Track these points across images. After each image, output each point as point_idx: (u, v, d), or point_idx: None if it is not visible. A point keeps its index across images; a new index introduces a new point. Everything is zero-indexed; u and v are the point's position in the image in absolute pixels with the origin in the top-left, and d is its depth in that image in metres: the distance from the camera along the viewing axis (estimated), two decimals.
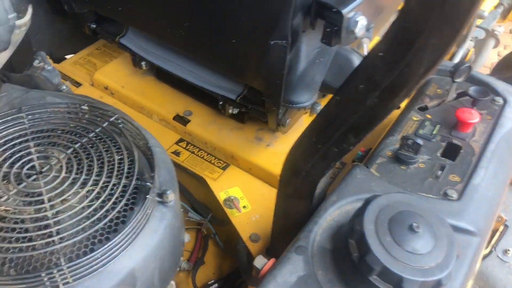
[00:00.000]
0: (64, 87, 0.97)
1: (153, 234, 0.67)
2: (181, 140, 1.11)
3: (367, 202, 0.62)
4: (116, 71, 1.21)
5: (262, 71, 0.80)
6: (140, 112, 1.15)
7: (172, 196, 0.70)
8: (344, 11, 0.66)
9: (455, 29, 0.45)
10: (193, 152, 1.09)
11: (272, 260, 0.69)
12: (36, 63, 0.94)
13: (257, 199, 1.01)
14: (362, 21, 0.69)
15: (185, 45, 0.92)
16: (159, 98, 1.15)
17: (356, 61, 0.88)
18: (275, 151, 1.07)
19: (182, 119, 1.11)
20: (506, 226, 1.31)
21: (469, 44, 1.55)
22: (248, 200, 1.01)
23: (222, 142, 1.08)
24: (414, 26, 0.47)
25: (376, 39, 1.23)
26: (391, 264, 0.57)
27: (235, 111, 1.02)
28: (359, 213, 0.61)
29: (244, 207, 0.99)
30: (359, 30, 0.69)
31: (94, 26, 1.09)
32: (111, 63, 1.24)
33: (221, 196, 1.01)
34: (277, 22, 0.71)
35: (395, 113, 0.94)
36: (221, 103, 1.01)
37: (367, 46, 0.96)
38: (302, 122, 1.09)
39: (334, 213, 0.71)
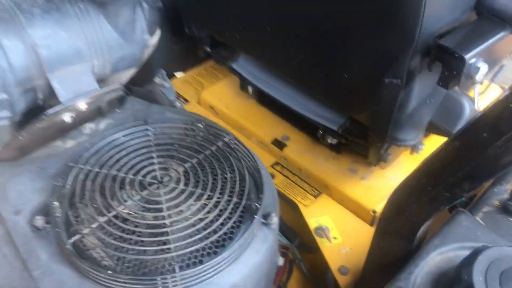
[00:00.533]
0: (178, 103, 1.05)
1: (255, 254, 0.70)
2: (276, 163, 1.15)
3: (476, 252, 0.61)
4: (222, 93, 1.28)
5: (372, 106, 0.81)
6: (240, 132, 1.21)
7: (276, 219, 0.73)
8: (467, 57, 0.66)
9: None
10: (287, 177, 1.12)
11: None
12: (157, 80, 1.03)
13: (347, 232, 1.01)
14: (483, 68, 0.69)
15: (295, 75, 0.96)
16: (259, 122, 1.20)
17: (467, 105, 0.87)
18: (369, 185, 1.07)
19: (279, 144, 1.15)
20: None
21: None
22: (338, 231, 1.01)
23: (316, 170, 1.10)
24: None
25: (486, 83, 1.19)
26: None
27: (334, 141, 1.03)
28: (468, 263, 0.60)
29: (334, 238, 1.00)
30: (480, 76, 0.69)
31: (209, 49, 1.17)
32: (217, 84, 1.31)
33: (311, 223, 1.03)
34: (395, 62, 0.72)
35: None
36: (321, 132, 1.04)
37: (477, 90, 0.94)
38: (400, 161, 1.09)
39: (436, 258, 0.70)
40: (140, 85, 1.05)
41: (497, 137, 0.54)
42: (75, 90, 0.77)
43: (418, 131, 0.85)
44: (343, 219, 1.04)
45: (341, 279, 0.93)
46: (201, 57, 1.38)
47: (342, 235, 1.01)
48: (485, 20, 0.74)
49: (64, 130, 0.84)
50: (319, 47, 0.83)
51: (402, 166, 1.09)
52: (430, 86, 0.80)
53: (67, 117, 0.82)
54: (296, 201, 1.07)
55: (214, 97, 1.27)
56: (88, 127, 0.87)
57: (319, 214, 1.04)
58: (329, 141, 1.03)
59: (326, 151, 1.13)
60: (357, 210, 1.04)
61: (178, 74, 1.43)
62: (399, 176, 1.07)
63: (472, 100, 0.90)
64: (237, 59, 1.13)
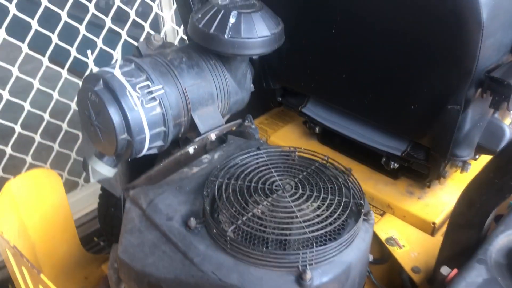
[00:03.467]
0: (261, 141, 1.28)
1: (362, 241, 0.90)
2: None
3: None
4: (287, 135, 1.52)
5: (435, 129, 1.04)
6: None
7: (373, 216, 0.93)
8: None
9: None
10: None
11: (455, 270, 0.88)
12: (246, 122, 1.27)
13: (413, 240, 1.20)
14: None
15: (365, 111, 1.20)
16: None
17: (506, 129, 1.10)
18: (426, 203, 1.27)
19: None
20: None
21: None
22: (405, 240, 1.21)
23: (379, 193, 1.30)
24: None
25: None
26: None
27: (396, 166, 1.25)
28: None
29: (403, 245, 1.19)
30: None
31: (280, 98, 1.42)
32: (282, 130, 1.55)
33: (382, 236, 1.22)
34: (456, 92, 0.96)
35: None
36: (384, 159, 1.26)
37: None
38: (447, 181, 1.30)
39: (504, 239, 0.90)
40: None
41: None
42: (210, 125, 1.00)
43: (471, 149, 1.07)
44: (407, 231, 1.23)
45: (415, 276, 1.11)
46: (262, 107, 1.63)
47: (409, 243, 1.19)
48: None
49: (188, 160, 1.07)
50: (389, 85, 1.08)
51: (450, 187, 1.30)
52: (480, 111, 1.04)
53: (191, 149, 1.05)
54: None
55: (282, 139, 1.51)
56: (206, 158, 1.09)
57: (387, 229, 1.24)
58: (391, 166, 1.25)
59: (385, 178, 1.34)
60: (419, 223, 1.24)
61: None
62: (449, 194, 1.27)
63: (509, 126, 1.13)
64: (306, 104, 1.37)
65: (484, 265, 0.84)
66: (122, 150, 0.95)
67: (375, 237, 1.23)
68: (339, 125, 1.32)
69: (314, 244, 0.82)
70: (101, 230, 1.80)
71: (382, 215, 1.28)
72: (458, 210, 0.95)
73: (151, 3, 1.96)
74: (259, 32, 0.96)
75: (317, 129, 1.40)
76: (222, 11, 0.96)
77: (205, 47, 0.98)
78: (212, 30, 0.95)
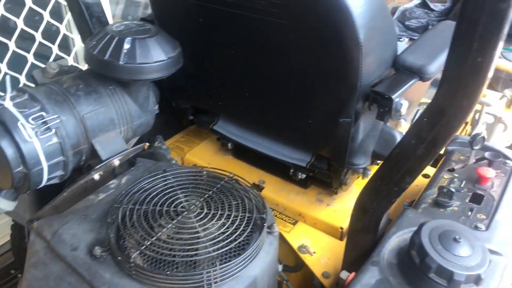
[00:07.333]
0: (174, 161, 1.29)
1: (267, 254, 0.93)
2: None
3: (421, 225, 0.89)
4: (202, 153, 1.54)
5: (332, 141, 1.11)
6: None
7: (277, 228, 0.98)
8: (393, 96, 0.98)
9: (469, 103, 0.75)
10: None
11: (353, 273, 0.93)
12: (156, 143, 1.27)
13: (323, 246, 1.26)
14: (405, 104, 1.01)
15: (269, 127, 1.25)
16: (238, 172, 1.44)
17: (398, 135, 1.19)
18: (334, 209, 1.34)
19: (257, 187, 1.40)
20: None
21: (481, 127, 1.87)
22: (316, 247, 1.26)
23: (291, 203, 1.36)
24: (445, 101, 0.77)
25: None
26: (444, 263, 0.82)
27: (303, 176, 1.31)
28: (417, 232, 0.88)
29: (314, 252, 1.24)
30: (404, 109, 1.01)
31: (192, 117, 1.44)
32: (197, 147, 1.57)
33: (294, 244, 1.27)
34: (345, 106, 1.03)
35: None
36: (292, 170, 1.31)
37: (404, 125, 1.27)
38: (353, 187, 1.38)
39: (395, 240, 0.97)
40: None
41: (421, 141, 0.84)
42: (112, 150, 1.00)
43: (367, 157, 1.15)
44: (318, 238, 1.29)
45: (326, 282, 1.17)
46: (176, 127, 1.64)
47: (319, 249, 1.25)
48: (401, 73, 1.08)
49: (95, 187, 1.06)
50: (288, 102, 1.13)
51: (356, 192, 1.38)
52: (371, 122, 1.11)
53: (97, 176, 1.05)
54: (279, 229, 1.31)
55: (197, 157, 1.53)
56: (113, 183, 1.09)
57: (299, 237, 1.29)
58: (299, 176, 1.31)
59: (296, 188, 1.40)
60: (328, 229, 1.30)
61: None
62: (354, 199, 1.34)
63: (401, 133, 1.23)
64: (217, 122, 1.40)
65: (377, 266, 0.90)
66: (19, 183, 0.92)
67: (289, 246, 1.28)
68: (249, 140, 1.36)
69: (217, 262, 0.84)
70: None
71: (294, 224, 1.34)
72: (355, 216, 1.02)
73: (58, 24, 1.91)
74: (155, 57, 0.97)
75: (229, 145, 1.43)
76: (116, 38, 0.96)
77: (101, 73, 0.98)
78: (106, 57, 0.95)
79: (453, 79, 0.75)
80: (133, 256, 0.85)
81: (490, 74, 0.73)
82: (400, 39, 3.98)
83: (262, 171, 1.46)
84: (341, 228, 1.28)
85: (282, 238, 1.30)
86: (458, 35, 0.71)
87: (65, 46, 2.07)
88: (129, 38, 0.96)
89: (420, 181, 1.31)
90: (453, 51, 0.72)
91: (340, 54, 0.95)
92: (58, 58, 1.98)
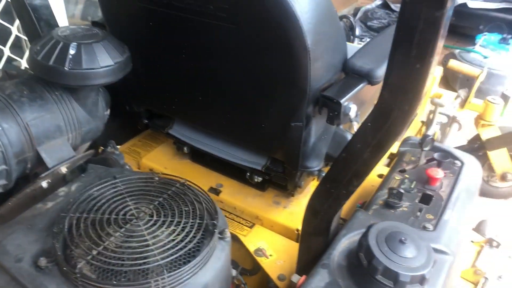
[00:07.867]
0: (127, 166, 1.27)
1: (218, 260, 0.93)
2: None
3: (369, 227, 0.90)
4: (159, 157, 1.52)
5: (285, 144, 1.11)
6: None
7: (229, 234, 0.97)
8: (342, 101, 1.00)
9: (410, 108, 0.77)
10: (225, 216, 1.36)
11: (304, 276, 0.94)
12: (109, 148, 1.25)
13: (279, 249, 1.27)
14: (353, 108, 1.02)
15: (224, 130, 1.24)
16: (195, 175, 1.44)
17: (349, 137, 1.20)
18: (290, 211, 1.35)
19: (215, 190, 1.40)
20: (486, 279, 1.57)
21: (435, 127, 1.92)
22: (272, 250, 1.27)
23: (248, 207, 1.36)
24: (388, 106, 0.79)
25: None
26: (390, 264, 0.83)
27: (259, 179, 1.31)
28: (365, 234, 0.89)
29: (270, 255, 1.25)
30: (352, 113, 1.02)
31: (147, 121, 1.42)
32: (153, 151, 1.55)
33: (251, 248, 1.27)
34: (296, 110, 1.04)
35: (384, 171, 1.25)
36: (248, 174, 1.31)
37: (356, 128, 1.29)
38: (310, 188, 1.39)
39: (345, 242, 0.98)
40: None
41: (367, 145, 0.85)
42: (59, 158, 0.97)
43: (320, 159, 1.16)
44: (275, 241, 1.30)
45: (281, 284, 1.17)
46: (132, 131, 1.62)
47: (276, 252, 1.26)
48: (350, 77, 1.10)
49: (43, 195, 1.03)
50: (241, 106, 1.13)
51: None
52: (323, 125, 1.13)
53: (44, 184, 1.02)
54: (236, 233, 1.31)
55: (153, 161, 1.51)
56: (62, 191, 1.06)
57: (256, 240, 1.29)
58: (255, 180, 1.31)
59: (253, 191, 1.40)
60: (285, 231, 1.31)
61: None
62: None
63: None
64: (173, 126, 1.39)
65: (327, 269, 0.91)
66: None
67: (246, 249, 1.28)
68: (204, 144, 1.35)
69: (165, 271, 0.83)
70: None
71: (251, 227, 1.34)
72: (306, 219, 1.03)
73: (9, 26, 1.85)
74: (102, 62, 0.95)
75: (185, 149, 1.42)
76: (61, 43, 0.94)
77: (46, 79, 0.96)
78: (51, 62, 0.93)
79: (394, 85, 0.76)
80: (78, 267, 0.83)
81: (430, 80, 0.75)
82: (362, 40, 4.04)
83: (220, 174, 1.45)
84: (297, 230, 1.29)
85: (239, 242, 1.30)
86: (397, 42, 0.72)
87: (19, 46, 2.01)
88: (75, 43, 0.94)
89: (376, 182, 1.34)
90: (393, 58, 0.74)
91: (288, 59, 0.96)
92: (10, 60, 1.92)
